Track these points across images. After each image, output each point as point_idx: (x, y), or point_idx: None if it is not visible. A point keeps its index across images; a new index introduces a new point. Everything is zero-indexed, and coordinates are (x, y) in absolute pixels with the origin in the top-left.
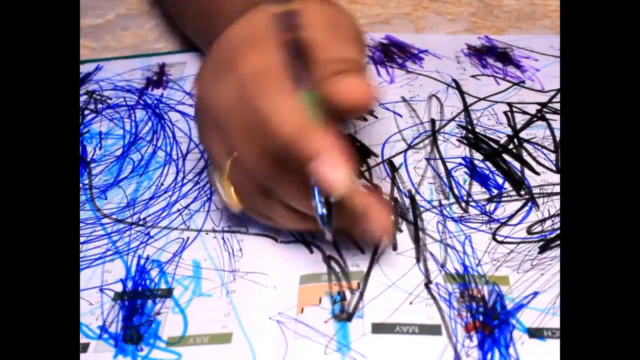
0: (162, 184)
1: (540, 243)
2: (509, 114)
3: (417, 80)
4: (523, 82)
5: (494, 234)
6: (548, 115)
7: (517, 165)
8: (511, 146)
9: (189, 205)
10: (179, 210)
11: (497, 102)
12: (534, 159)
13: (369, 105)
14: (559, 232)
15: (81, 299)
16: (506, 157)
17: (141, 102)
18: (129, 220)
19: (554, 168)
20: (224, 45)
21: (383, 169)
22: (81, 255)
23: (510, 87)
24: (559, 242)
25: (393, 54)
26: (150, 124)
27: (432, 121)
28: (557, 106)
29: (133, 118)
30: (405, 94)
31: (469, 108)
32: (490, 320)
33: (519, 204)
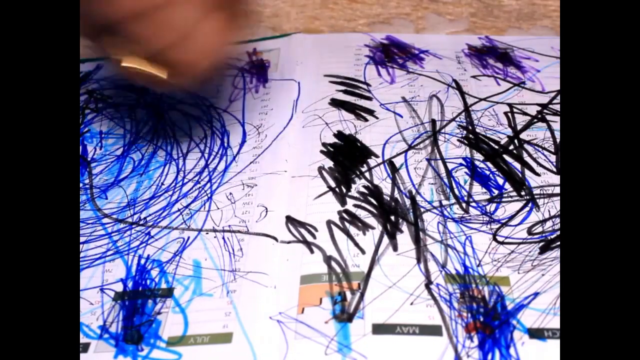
0: (162, 184)
1: (541, 244)
2: (509, 114)
3: (417, 81)
4: (523, 82)
5: (494, 235)
6: (548, 117)
7: (517, 166)
8: (512, 147)
9: (189, 204)
10: (179, 209)
11: (497, 102)
12: (534, 160)
13: None
14: (559, 232)
15: (81, 299)
16: (507, 157)
17: (141, 101)
18: (130, 219)
19: (555, 169)
20: None
21: (383, 170)
22: (81, 255)
23: (511, 87)
24: (559, 242)
25: (394, 54)
26: (150, 123)
27: (433, 121)
28: (558, 108)
29: (133, 117)
30: (405, 95)
31: (470, 108)
32: (491, 320)
33: (519, 204)
